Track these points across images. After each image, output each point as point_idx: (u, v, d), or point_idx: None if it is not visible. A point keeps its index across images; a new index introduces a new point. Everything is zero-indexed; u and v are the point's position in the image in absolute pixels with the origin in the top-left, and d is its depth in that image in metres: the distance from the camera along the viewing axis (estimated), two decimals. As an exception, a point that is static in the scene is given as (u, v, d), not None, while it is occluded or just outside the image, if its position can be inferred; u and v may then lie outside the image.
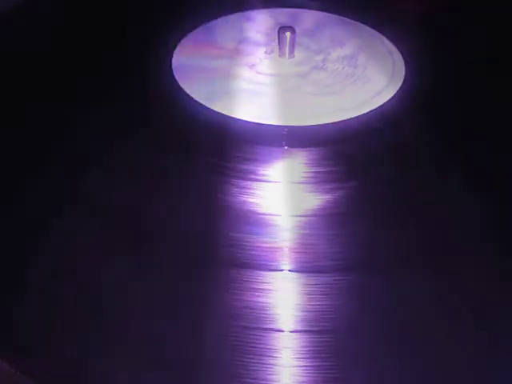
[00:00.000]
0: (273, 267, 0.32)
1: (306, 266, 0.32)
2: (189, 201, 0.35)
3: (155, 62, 0.43)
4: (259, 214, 0.34)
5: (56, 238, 0.33)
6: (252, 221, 0.34)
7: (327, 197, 0.35)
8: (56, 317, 0.30)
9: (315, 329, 0.30)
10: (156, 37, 0.45)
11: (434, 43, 0.45)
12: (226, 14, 0.47)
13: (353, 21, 0.47)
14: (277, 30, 0.44)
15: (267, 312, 0.30)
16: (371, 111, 0.39)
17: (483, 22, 0.48)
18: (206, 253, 0.33)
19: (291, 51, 0.43)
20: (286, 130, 0.38)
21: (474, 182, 0.36)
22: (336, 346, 0.29)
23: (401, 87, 0.41)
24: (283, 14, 0.47)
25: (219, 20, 0.47)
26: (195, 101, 0.40)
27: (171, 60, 0.43)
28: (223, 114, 0.39)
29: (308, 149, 0.37)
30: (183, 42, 0.45)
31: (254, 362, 0.29)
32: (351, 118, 0.39)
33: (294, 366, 0.29)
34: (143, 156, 0.37)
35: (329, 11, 0.47)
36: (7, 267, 0.32)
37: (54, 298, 0.31)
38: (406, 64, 0.43)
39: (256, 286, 0.31)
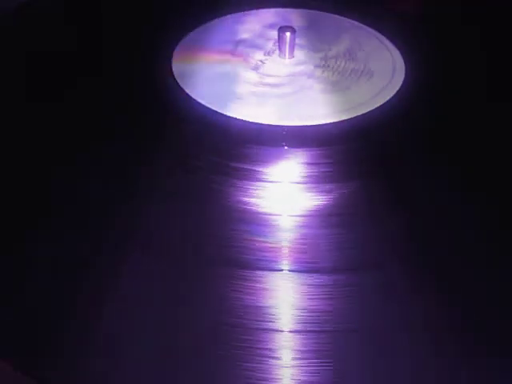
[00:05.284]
0: (273, 267, 0.32)
1: (306, 266, 0.32)
2: (188, 201, 0.35)
3: (155, 62, 0.43)
4: (259, 213, 0.34)
5: (56, 238, 0.33)
6: (252, 221, 0.34)
7: (327, 197, 0.35)
8: (56, 317, 0.30)
9: (314, 329, 0.30)
10: (156, 37, 0.45)
11: (434, 43, 0.45)
12: (226, 14, 0.47)
13: (352, 21, 0.47)
14: (276, 30, 0.44)
15: (267, 312, 0.30)
16: (371, 111, 0.39)
17: (483, 21, 0.48)
18: (206, 253, 0.33)
19: (291, 51, 0.43)
20: (285, 129, 0.38)
21: (474, 181, 0.36)
22: (335, 346, 0.29)
23: (400, 87, 0.41)
24: (283, 14, 0.47)
25: (219, 20, 0.47)
26: (195, 101, 0.40)
27: (171, 60, 0.43)
28: (223, 114, 0.39)
29: (308, 149, 0.37)
30: (183, 41, 0.45)
31: (253, 362, 0.29)
32: (351, 118, 0.39)
33: (293, 366, 0.29)
34: (142, 156, 0.37)
35: (328, 11, 0.47)
36: (7, 267, 0.32)
37: (54, 297, 0.31)
38: (406, 64, 0.43)
39: (256, 286, 0.31)
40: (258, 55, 0.43)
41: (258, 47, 0.44)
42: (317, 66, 0.43)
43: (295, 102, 0.40)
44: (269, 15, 0.47)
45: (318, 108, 0.39)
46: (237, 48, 0.44)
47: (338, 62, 0.43)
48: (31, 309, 0.31)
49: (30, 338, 0.30)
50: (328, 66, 0.42)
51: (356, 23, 0.46)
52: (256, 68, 0.42)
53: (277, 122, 0.38)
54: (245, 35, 0.45)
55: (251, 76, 0.42)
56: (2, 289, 0.32)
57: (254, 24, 0.46)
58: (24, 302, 0.31)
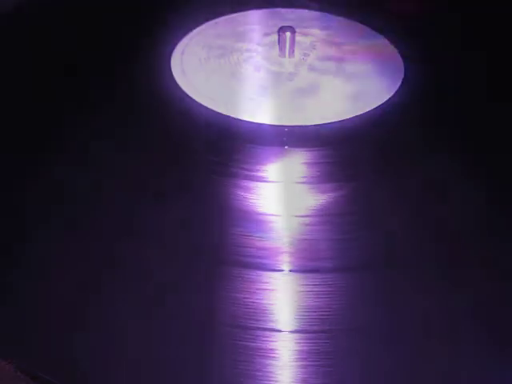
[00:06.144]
0: (273, 267, 0.32)
1: (306, 266, 0.32)
2: (188, 201, 0.35)
3: (155, 61, 0.43)
4: (259, 213, 0.34)
5: (55, 238, 0.33)
6: (252, 221, 0.34)
7: (327, 197, 0.35)
8: (56, 316, 0.30)
9: (315, 329, 0.30)
10: (156, 37, 0.45)
11: (433, 43, 0.45)
12: (226, 14, 0.47)
13: (352, 21, 0.47)
14: (277, 30, 0.44)
15: (267, 312, 0.30)
16: (371, 111, 0.39)
17: (483, 21, 0.48)
18: (206, 253, 0.33)
19: (291, 51, 0.43)
20: (286, 129, 0.38)
21: (473, 181, 0.36)
22: (335, 346, 0.29)
23: (400, 87, 0.41)
24: (283, 14, 0.47)
25: (219, 19, 0.47)
26: (195, 101, 0.40)
27: (171, 60, 0.43)
28: (223, 114, 0.39)
29: (308, 149, 0.37)
30: (183, 41, 0.45)
31: (253, 362, 0.29)
32: (351, 118, 0.39)
33: (293, 367, 0.29)
34: (142, 156, 0.37)
35: (328, 11, 0.47)
36: (7, 267, 0.32)
37: (54, 297, 0.31)
38: (406, 64, 0.43)
39: (256, 286, 0.31)
40: (259, 53, 0.44)
41: (260, 45, 0.44)
42: (313, 68, 0.43)
43: (285, 101, 0.40)
44: (278, 15, 0.47)
45: (317, 108, 0.40)
46: (239, 46, 0.44)
47: (336, 67, 0.43)
48: (31, 309, 0.31)
49: (30, 338, 0.30)
50: (324, 69, 0.42)
51: (356, 23, 0.46)
52: (253, 66, 0.43)
53: (277, 122, 0.38)
54: (250, 33, 0.45)
55: (247, 73, 0.42)
56: (2, 289, 0.32)
57: (262, 22, 0.46)
58: (24, 302, 0.31)
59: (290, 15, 0.47)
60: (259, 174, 0.36)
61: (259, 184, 0.35)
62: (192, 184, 0.36)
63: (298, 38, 0.43)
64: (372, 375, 0.29)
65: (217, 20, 0.47)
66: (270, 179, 0.36)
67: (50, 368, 0.29)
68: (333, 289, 0.31)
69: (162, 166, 0.36)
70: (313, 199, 0.35)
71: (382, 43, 0.45)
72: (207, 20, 0.46)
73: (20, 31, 0.47)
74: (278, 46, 0.43)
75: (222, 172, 0.36)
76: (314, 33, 0.45)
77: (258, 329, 0.30)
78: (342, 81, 0.42)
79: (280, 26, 0.44)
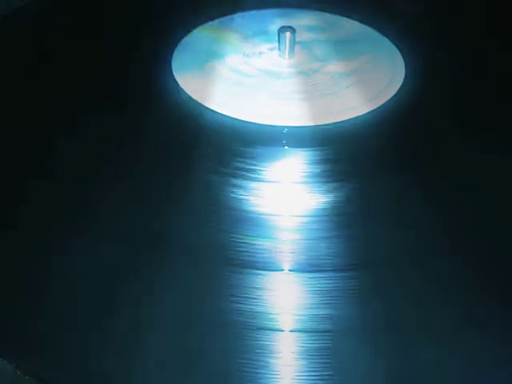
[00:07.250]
0: (273, 267, 0.32)
1: (306, 266, 0.32)
2: (188, 201, 0.35)
3: (155, 61, 0.43)
4: (259, 214, 0.34)
5: (56, 239, 0.33)
6: (252, 221, 0.34)
7: (327, 197, 0.35)
8: (57, 317, 0.30)
9: (315, 329, 0.30)
10: (156, 37, 0.45)
11: (434, 43, 0.45)
12: (225, 14, 0.47)
13: (352, 20, 0.47)
14: (277, 30, 0.44)
15: (267, 312, 0.30)
16: (371, 111, 0.39)
17: (483, 21, 0.48)
18: (206, 253, 0.33)
19: (291, 51, 0.43)
20: (285, 130, 0.38)
21: (474, 181, 0.36)
22: (335, 345, 0.29)
23: (401, 87, 0.41)
24: (283, 14, 0.47)
25: (220, 19, 0.47)
26: (195, 101, 0.40)
27: (171, 60, 0.43)
28: (223, 114, 0.39)
29: (308, 149, 0.37)
30: (183, 41, 0.45)
31: (253, 362, 0.29)
32: (351, 118, 0.39)
33: (293, 366, 0.29)
34: (142, 156, 0.37)
35: (328, 11, 0.47)
36: (7, 267, 0.32)
37: (54, 297, 0.31)
38: (406, 64, 0.43)
39: (256, 286, 0.31)
40: (259, 53, 0.44)
41: (260, 46, 0.44)
42: (313, 68, 0.43)
43: (285, 101, 0.40)
44: (278, 15, 0.47)
45: (317, 108, 0.40)
46: (238, 46, 0.44)
47: (336, 66, 0.43)
48: (32, 309, 0.31)
49: (31, 338, 0.30)
50: (324, 69, 0.43)
51: (356, 23, 0.47)
52: (253, 66, 0.43)
53: (260, 120, 0.38)
54: (250, 33, 0.45)
55: (247, 73, 0.42)
56: (3, 289, 0.32)
57: (262, 23, 0.46)
58: (25, 302, 0.31)
59: (290, 15, 0.47)
60: (259, 174, 0.36)
61: (259, 184, 0.35)
62: (192, 184, 0.36)
63: (297, 37, 0.43)
64: (372, 375, 0.29)
65: (217, 20, 0.47)
66: (269, 179, 0.36)
67: (50, 368, 0.29)
68: (333, 288, 0.31)
69: (162, 166, 0.36)
70: (312, 199, 0.35)
71: (383, 43, 0.45)
72: (207, 20, 0.46)
73: (20, 31, 0.47)
74: (278, 46, 0.43)
75: (222, 172, 0.36)
76: (314, 32, 0.45)
77: (258, 328, 0.30)
78: (341, 81, 0.42)
79: (280, 26, 0.44)
